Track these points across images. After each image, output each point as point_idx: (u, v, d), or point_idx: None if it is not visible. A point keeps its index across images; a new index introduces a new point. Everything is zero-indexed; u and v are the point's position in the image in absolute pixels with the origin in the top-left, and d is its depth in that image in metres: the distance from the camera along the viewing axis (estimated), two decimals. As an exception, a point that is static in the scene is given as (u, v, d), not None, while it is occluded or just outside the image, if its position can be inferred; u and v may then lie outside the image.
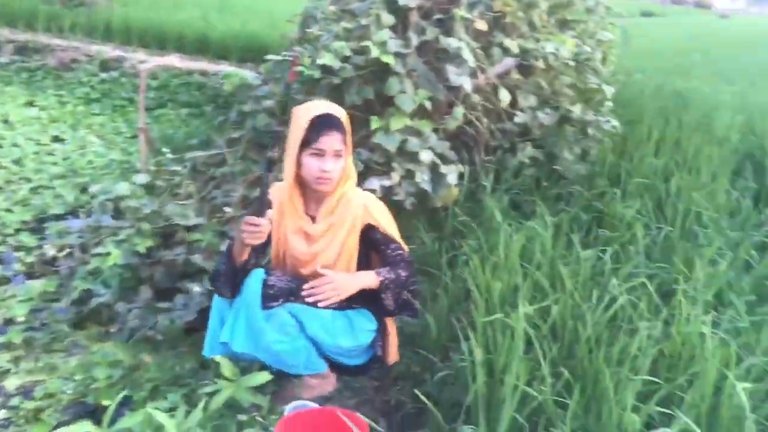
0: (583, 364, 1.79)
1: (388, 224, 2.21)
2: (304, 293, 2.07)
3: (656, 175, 3.47)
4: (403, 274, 2.15)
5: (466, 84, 3.42)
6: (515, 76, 3.91)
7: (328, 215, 2.17)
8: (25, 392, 2.40)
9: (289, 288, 2.11)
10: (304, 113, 2.13)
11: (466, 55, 3.46)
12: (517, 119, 3.72)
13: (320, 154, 2.09)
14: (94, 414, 2.31)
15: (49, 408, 2.32)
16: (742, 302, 2.20)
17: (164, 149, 4.10)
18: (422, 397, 1.73)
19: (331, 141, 2.07)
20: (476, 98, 3.61)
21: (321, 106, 2.17)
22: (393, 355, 2.27)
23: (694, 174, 3.50)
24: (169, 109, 6.59)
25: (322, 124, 2.08)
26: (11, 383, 2.45)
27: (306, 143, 2.10)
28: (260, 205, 2.03)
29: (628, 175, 3.47)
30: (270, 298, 2.06)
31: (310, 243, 2.19)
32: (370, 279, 2.13)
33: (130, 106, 6.76)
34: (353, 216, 2.16)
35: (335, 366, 2.24)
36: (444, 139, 3.46)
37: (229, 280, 2.17)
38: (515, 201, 3.36)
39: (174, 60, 7.47)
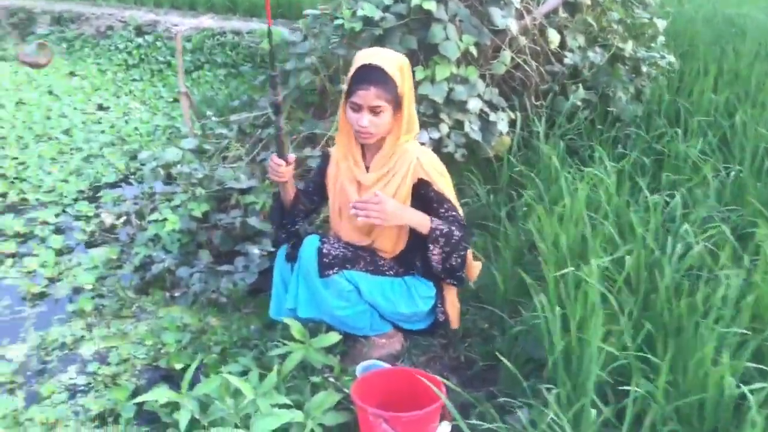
0: (663, 317, 1.74)
1: (442, 183, 2.13)
2: (351, 209, 2.00)
3: (718, 112, 3.32)
4: (456, 233, 2.06)
5: (513, 26, 3.30)
6: (562, 15, 3.75)
7: (381, 166, 2.12)
8: (101, 358, 2.48)
9: (344, 255, 2.09)
10: (354, 61, 2.08)
11: (512, -5, 3.32)
12: (566, 60, 3.59)
13: (356, 108, 2.04)
14: (168, 378, 2.38)
15: (125, 373, 2.39)
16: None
17: (208, 112, 4.09)
18: (501, 358, 1.71)
19: (365, 96, 2.00)
20: (523, 40, 3.47)
21: (367, 55, 2.07)
22: (455, 320, 2.24)
23: (759, 108, 3.32)
24: (206, 71, 6.57)
25: (359, 78, 2.02)
26: (87, 349, 2.53)
27: (347, 94, 2.06)
28: (277, 147, 2.15)
29: (688, 113, 3.32)
30: (326, 266, 2.05)
31: (362, 192, 2.15)
32: (420, 218, 2.04)
33: (167, 70, 6.76)
34: (406, 169, 2.11)
35: (400, 328, 2.24)
36: (492, 86, 3.36)
37: (277, 220, 2.35)
38: (571, 147, 3.25)
39: (207, 20, 7.40)
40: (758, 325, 1.66)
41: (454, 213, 2.10)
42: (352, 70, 2.06)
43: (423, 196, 2.11)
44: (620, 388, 1.58)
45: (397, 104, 2.05)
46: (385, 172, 2.12)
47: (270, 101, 2.13)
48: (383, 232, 2.13)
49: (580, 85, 3.57)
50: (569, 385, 1.54)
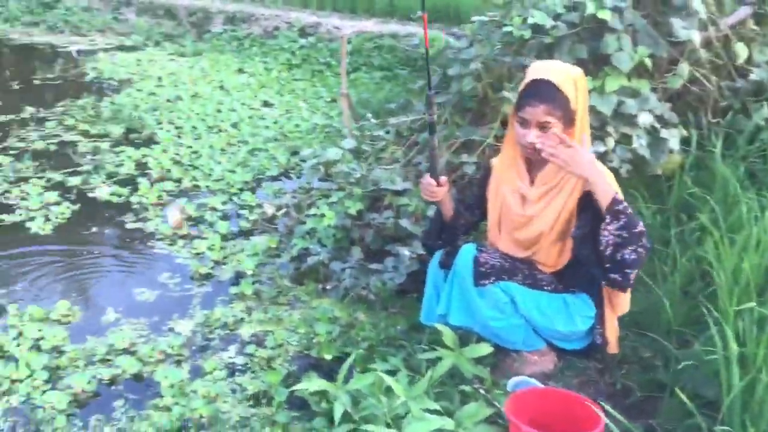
0: None
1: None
2: (539, 143, 1.92)
3: None
4: (640, 225, 1.84)
5: (695, 38, 3.08)
6: (750, 26, 3.45)
7: (547, 180, 2.07)
8: (258, 341, 2.63)
9: (501, 266, 2.05)
10: (526, 75, 2.04)
11: (697, 5, 3.10)
12: (752, 76, 3.29)
13: (524, 123, 2.00)
14: (317, 367, 2.48)
15: (279, 357, 2.52)
16: None
17: (367, 114, 4.21)
18: (679, 393, 1.59)
19: (534, 112, 1.95)
20: (704, 53, 3.24)
21: (539, 69, 2.02)
22: (613, 345, 2.12)
23: None
24: (363, 73, 6.77)
25: (529, 92, 1.97)
26: (246, 331, 2.69)
27: (517, 108, 2.02)
28: (431, 167, 2.17)
29: None
30: (481, 275, 2.02)
31: (525, 206, 2.11)
32: (607, 181, 1.87)
33: (327, 71, 7.05)
34: (573, 184, 2.03)
35: (554, 346, 2.17)
36: (664, 101, 3.17)
37: (434, 234, 2.37)
38: (751, 170, 2.99)
39: (367, 23, 7.64)
40: None
41: (627, 211, 1.89)
42: (524, 84, 2.02)
43: (593, 207, 1.95)
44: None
45: (568, 119, 1.98)
46: (551, 187, 2.06)
47: (426, 120, 2.16)
48: (545, 245, 2.08)
49: (765, 103, 3.26)
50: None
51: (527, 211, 2.09)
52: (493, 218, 2.24)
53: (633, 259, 1.85)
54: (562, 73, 1.99)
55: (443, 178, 2.18)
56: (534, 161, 2.10)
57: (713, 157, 2.93)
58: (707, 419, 1.73)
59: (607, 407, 1.57)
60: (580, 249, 2.00)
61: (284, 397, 2.28)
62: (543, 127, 1.96)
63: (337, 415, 1.81)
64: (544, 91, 1.95)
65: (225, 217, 3.74)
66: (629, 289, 2.00)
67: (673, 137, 3.07)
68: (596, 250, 1.90)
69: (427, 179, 2.16)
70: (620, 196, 1.88)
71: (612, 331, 2.10)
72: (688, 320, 2.14)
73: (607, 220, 1.85)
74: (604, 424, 1.56)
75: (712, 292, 2.00)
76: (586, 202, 2.00)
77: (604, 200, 1.86)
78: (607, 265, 1.88)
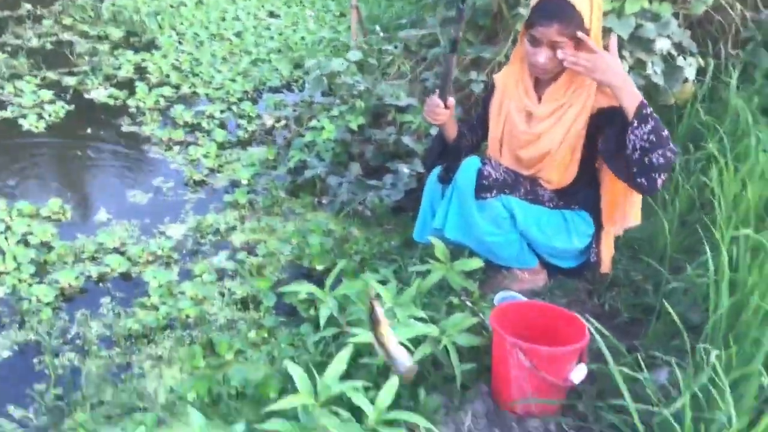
0: None
1: None
2: (561, 54, 1.81)
3: None
4: (665, 129, 1.77)
5: (723, -39, 2.93)
6: (782, -47, 3.27)
7: (556, 98, 1.98)
8: (249, 249, 2.62)
9: (504, 180, 1.99)
10: None
11: (729, -74, 2.93)
12: (778, 7, 3.15)
13: (535, 42, 1.89)
14: (308, 277, 2.47)
15: (269, 266, 2.51)
16: None
17: (376, 27, 4.07)
18: (668, 307, 1.56)
19: (546, 32, 1.84)
20: (730, -21, 3.08)
21: None
22: (606, 265, 2.10)
23: None
24: (375, -12, 6.52)
25: (542, 9, 1.86)
26: (237, 238, 2.68)
27: (527, 25, 1.91)
28: (442, 87, 2.03)
29: None
30: (483, 188, 1.97)
31: (532, 123, 2.03)
32: (633, 85, 1.78)
33: (338, -16, 6.79)
34: (584, 100, 1.95)
35: (544, 265, 2.14)
36: (684, 27, 3.03)
37: (434, 155, 2.28)
38: (765, 105, 2.89)
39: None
40: None
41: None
42: (533, 3, 1.90)
43: (608, 123, 1.89)
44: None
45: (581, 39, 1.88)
46: (560, 105, 1.97)
47: (450, 36, 2.01)
48: (549, 164, 2.02)
49: (789, 36, 3.13)
50: (733, 350, 1.38)
51: (534, 129, 2.02)
52: (494, 134, 2.16)
53: (661, 163, 1.76)
54: None
55: (451, 100, 2.07)
56: (541, 79, 2.01)
57: (728, 89, 2.82)
58: (691, 341, 1.73)
59: (594, 323, 1.55)
60: (609, 162, 1.92)
61: (272, 302, 2.29)
62: (554, 46, 1.87)
63: (323, 318, 1.80)
64: (559, 9, 1.83)
65: (222, 125, 3.67)
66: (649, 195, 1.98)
67: (689, 66, 2.95)
68: (621, 157, 1.83)
69: (434, 100, 2.05)
70: (644, 101, 1.78)
71: (607, 250, 2.08)
72: (683, 248, 2.11)
73: (635, 124, 1.76)
74: (588, 338, 1.54)
75: (711, 221, 1.95)
76: (597, 121, 1.93)
77: (631, 104, 1.77)
78: (635, 170, 1.80)
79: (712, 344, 1.49)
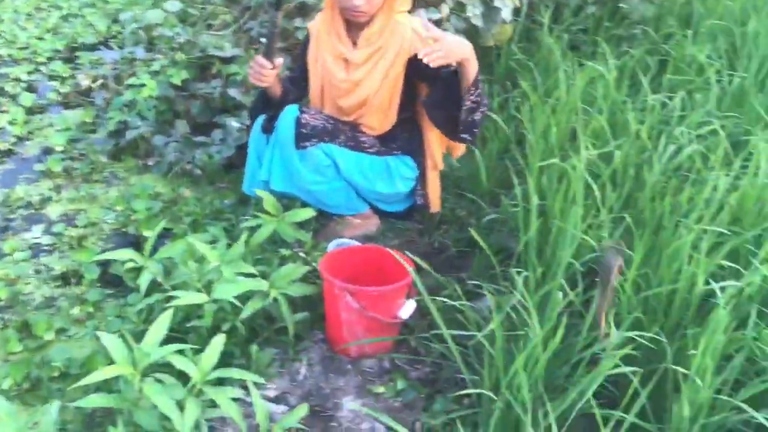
0: (644, 214, 1.68)
1: None
2: (424, 57, 1.71)
3: (732, 18, 3.14)
4: (481, 84, 1.87)
5: None
6: None
7: (371, 42, 1.97)
8: (68, 220, 2.41)
9: (324, 127, 1.97)
10: None
11: None
12: (582, -52, 3.34)
13: None
14: (136, 245, 2.33)
15: (91, 236, 2.34)
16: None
17: (196, -25, 3.83)
18: (476, 237, 1.65)
19: None
20: None
21: None
22: (435, 203, 2.18)
23: (773, 18, 3.14)
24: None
25: None
26: (53, 210, 2.46)
27: None
28: (267, 46, 1.92)
29: (700, 16, 3.14)
30: (303, 137, 1.94)
31: (350, 70, 2.01)
32: (473, 54, 1.79)
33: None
34: (400, 43, 1.96)
35: (377, 210, 2.17)
36: (498, -30, 3.13)
37: (259, 113, 2.17)
38: (575, 41, 3.09)
39: None
40: (738, 228, 1.61)
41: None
42: None
43: (421, 68, 1.86)
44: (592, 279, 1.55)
45: None
46: (376, 49, 1.97)
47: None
48: (370, 110, 2.02)
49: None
50: (539, 272, 1.49)
51: (352, 76, 2.00)
52: (315, 86, 2.12)
53: (481, 118, 1.91)
54: None
55: (278, 60, 1.95)
56: (354, 24, 1.98)
57: (541, 29, 2.98)
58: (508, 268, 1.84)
59: (418, 260, 1.59)
60: (431, 113, 1.97)
61: (96, 274, 2.13)
62: None
63: (143, 284, 1.71)
64: None
65: (31, 89, 3.32)
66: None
67: (506, 7, 3.06)
68: (443, 113, 1.90)
69: (260, 60, 1.92)
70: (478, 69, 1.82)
71: (434, 189, 2.14)
72: (501, 182, 2.22)
73: (471, 90, 1.82)
74: (410, 275, 1.59)
75: (524, 155, 2.07)
76: (418, 64, 1.94)
77: (472, 73, 1.80)
78: (461, 127, 1.90)
79: (525, 268, 1.60)
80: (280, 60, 1.96)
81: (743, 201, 1.62)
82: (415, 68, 1.95)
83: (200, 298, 1.56)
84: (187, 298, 1.53)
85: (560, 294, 1.35)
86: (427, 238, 2.14)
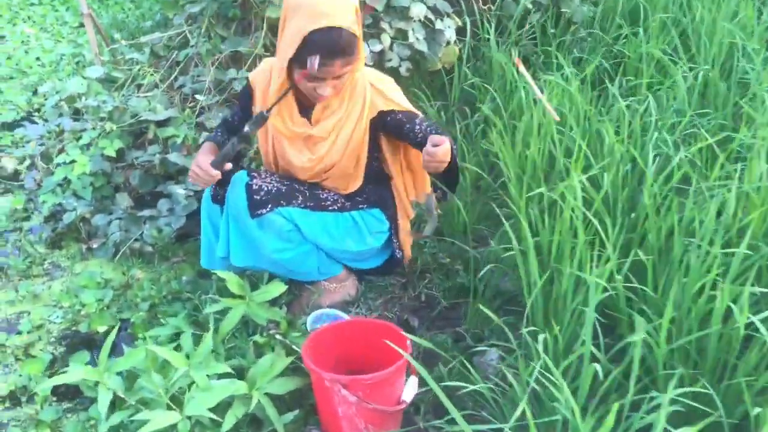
0: (648, 240, 1.53)
1: (402, 98, 1.82)
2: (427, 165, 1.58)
3: (676, 6, 3.08)
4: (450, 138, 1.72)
5: None
6: None
7: (333, 111, 1.78)
8: (9, 327, 2.15)
9: (278, 190, 1.77)
10: (297, 20, 1.58)
11: None
12: (515, -41, 3.25)
13: (315, 80, 1.64)
14: (90, 342, 2.09)
15: (39, 342, 2.09)
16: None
17: (116, 35, 3.60)
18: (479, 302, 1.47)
19: (329, 71, 1.61)
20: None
21: (322, 14, 1.55)
22: (407, 252, 2.00)
23: (716, 1, 3.09)
24: (116, -10, 5.88)
25: (318, 46, 1.56)
26: (-9, 319, 2.19)
27: (300, 63, 1.61)
28: (219, 161, 1.72)
29: (646, 12, 3.07)
30: (257, 204, 1.74)
31: (313, 148, 1.81)
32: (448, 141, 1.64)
33: (70, -9, 6.03)
34: (360, 107, 1.78)
35: (352, 269, 1.98)
36: (435, -10, 3.01)
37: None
38: (524, 53, 2.98)
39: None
40: (753, 242, 1.48)
41: (426, 122, 1.77)
42: (299, 35, 1.57)
43: (389, 124, 1.78)
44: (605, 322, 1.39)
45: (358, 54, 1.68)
46: (338, 119, 1.77)
47: (241, 133, 1.70)
48: (333, 176, 1.83)
49: (530, -15, 3.25)
50: (556, 330, 1.32)
51: (317, 153, 1.81)
52: (264, 149, 1.92)
53: (455, 166, 1.73)
54: (344, 9, 1.59)
55: (228, 165, 1.73)
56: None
57: (488, 45, 2.86)
58: (513, 315, 1.67)
59: (409, 325, 1.41)
60: (370, 168, 1.87)
61: (49, 390, 1.88)
62: (338, 78, 1.65)
63: (102, 406, 1.47)
64: (337, 43, 1.57)
65: (-54, 181, 3.02)
66: None
67: (448, 28, 2.95)
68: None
69: (207, 168, 1.71)
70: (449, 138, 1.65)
71: (406, 238, 1.96)
72: (483, 216, 2.07)
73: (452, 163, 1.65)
74: (410, 349, 1.40)
75: (502, 185, 1.91)
76: (379, 122, 1.79)
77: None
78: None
79: (534, 323, 1.43)
80: (229, 166, 1.75)
81: (750, 211, 1.49)
82: (383, 126, 1.80)
83: (171, 417, 1.34)
84: (156, 421, 1.31)
85: (594, 366, 1.17)
86: (412, 291, 1.95)
